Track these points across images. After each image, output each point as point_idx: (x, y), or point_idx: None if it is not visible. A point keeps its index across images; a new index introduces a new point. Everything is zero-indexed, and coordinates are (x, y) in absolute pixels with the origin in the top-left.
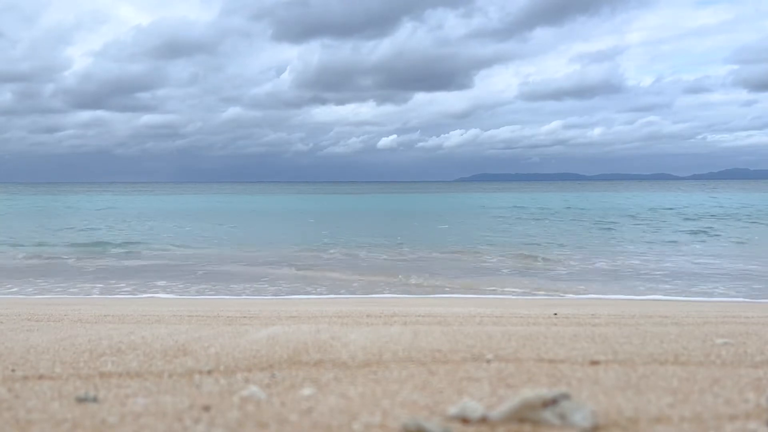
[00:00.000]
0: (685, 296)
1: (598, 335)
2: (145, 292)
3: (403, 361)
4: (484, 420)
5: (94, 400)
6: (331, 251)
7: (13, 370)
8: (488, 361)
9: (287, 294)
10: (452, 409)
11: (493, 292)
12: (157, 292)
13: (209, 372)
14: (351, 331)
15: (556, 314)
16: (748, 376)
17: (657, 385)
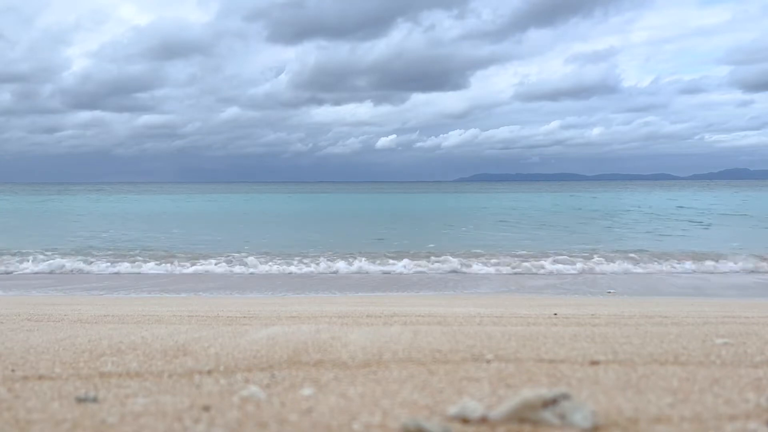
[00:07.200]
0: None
1: (598, 335)
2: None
3: (403, 361)
4: (484, 420)
5: (94, 400)
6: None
7: (13, 370)
8: (488, 361)
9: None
10: (452, 409)
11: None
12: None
13: (209, 372)
14: (351, 331)
15: (556, 314)
16: (748, 376)
17: (657, 385)
